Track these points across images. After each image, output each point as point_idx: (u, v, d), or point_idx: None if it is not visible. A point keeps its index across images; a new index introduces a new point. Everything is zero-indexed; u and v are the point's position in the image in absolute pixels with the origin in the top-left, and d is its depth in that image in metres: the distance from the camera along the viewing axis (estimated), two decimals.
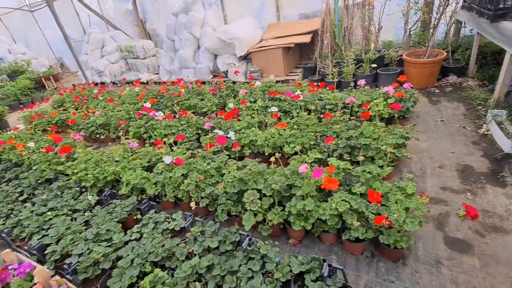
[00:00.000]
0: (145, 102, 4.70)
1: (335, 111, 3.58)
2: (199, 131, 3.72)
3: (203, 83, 6.45)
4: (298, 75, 5.83)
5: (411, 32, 4.89)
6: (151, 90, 5.56)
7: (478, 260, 1.78)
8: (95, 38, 8.32)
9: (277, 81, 5.84)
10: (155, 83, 7.72)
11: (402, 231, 1.77)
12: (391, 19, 4.92)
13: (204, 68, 6.53)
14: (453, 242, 1.90)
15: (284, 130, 2.97)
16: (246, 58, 6.23)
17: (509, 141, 2.54)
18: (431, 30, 4.38)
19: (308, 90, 3.95)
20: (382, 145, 2.39)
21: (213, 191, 2.27)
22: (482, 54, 4.38)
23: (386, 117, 3.24)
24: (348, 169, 2.15)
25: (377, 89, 4.66)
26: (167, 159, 2.53)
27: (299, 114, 3.20)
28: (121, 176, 2.86)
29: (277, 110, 3.17)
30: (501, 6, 3.15)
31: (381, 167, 2.25)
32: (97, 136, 4.56)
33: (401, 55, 4.50)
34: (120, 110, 4.66)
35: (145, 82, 7.88)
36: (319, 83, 4.79)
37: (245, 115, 3.72)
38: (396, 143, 2.42)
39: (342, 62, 5.13)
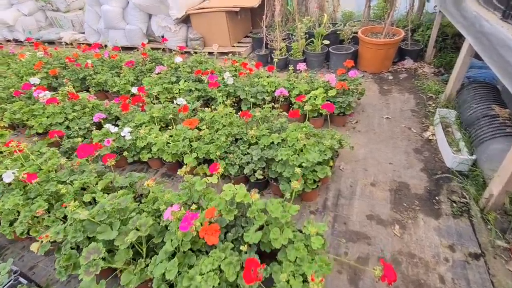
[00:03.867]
0: (40, 74, 3.66)
1: (269, 102, 2.96)
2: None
3: (136, 49, 5.38)
4: (247, 46, 4.99)
5: (371, 4, 4.21)
6: (58, 56, 4.42)
7: None
8: None
9: (222, 53, 4.99)
10: (81, 45, 6.39)
11: None
12: None
13: (136, 31, 5.38)
14: None
15: (193, 129, 2.31)
16: (186, 21, 5.18)
17: (452, 154, 2.14)
18: (389, 3, 3.74)
19: (243, 69, 3.22)
20: (301, 163, 1.85)
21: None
22: (442, 36, 3.89)
23: (324, 113, 2.69)
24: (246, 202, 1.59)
25: (328, 71, 4.06)
26: (7, 176, 1.77)
27: (216, 109, 2.52)
28: None
29: (185, 102, 2.44)
30: None
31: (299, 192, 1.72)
32: None
33: (356, 32, 3.86)
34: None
35: (68, 43, 6.50)
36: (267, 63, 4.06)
37: (156, 103, 2.95)
38: (321, 159, 1.88)
39: (293, 35, 4.38)
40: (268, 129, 2.30)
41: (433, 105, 3.00)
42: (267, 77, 3.24)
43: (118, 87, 3.47)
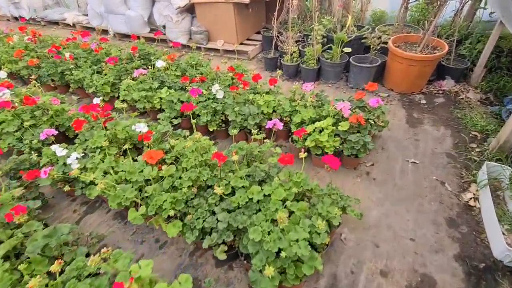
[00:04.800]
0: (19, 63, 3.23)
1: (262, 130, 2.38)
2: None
3: (138, 38, 4.87)
4: (256, 45, 4.34)
5: (408, 4, 3.42)
6: (47, 41, 3.99)
7: None
8: None
9: (227, 51, 4.38)
10: (84, 28, 5.97)
11: None
12: None
13: (137, 17, 4.85)
14: None
15: (154, 165, 1.77)
16: (191, 11, 4.58)
17: (504, 244, 1.49)
18: (434, 7, 2.95)
19: (237, 82, 2.62)
20: (282, 249, 1.28)
21: None
22: (495, 51, 3.08)
23: (330, 152, 2.07)
24: None
25: (346, 85, 3.37)
26: None
27: (189, 137, 1.96)
28: None
29: (145, 129, 1.85)
30: None
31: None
32: None
33: (385, 40, 3.11)
34: None
35: (71, 25, 6.09)
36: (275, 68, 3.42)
37: (135, 115, 2.43)
38: (307, 250, 1.29)
39: (309, 37, 3.68)
40: (250, 176, 1.73)
41: (478, 150, 2.28)
42: (267, 93, 2.63)
43: (95, 87, 2.98)
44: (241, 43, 4.43)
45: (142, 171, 1.76)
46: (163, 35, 4.75)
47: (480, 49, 3.18)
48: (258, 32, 4.68)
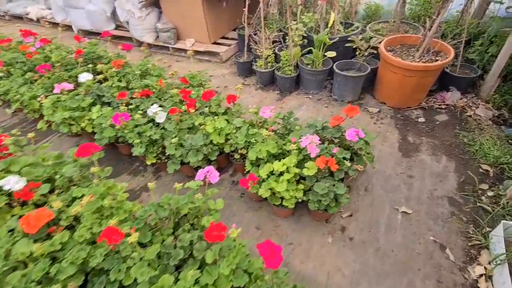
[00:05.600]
0: None
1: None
2: None
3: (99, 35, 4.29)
4: (230, 45, 3.75)
5: None
6: None
7: None
8: None
9: (198, 52, 3.80)
10: (49, 23, 5.37)
11: None
12: None
13: (98, 12, 4.26)
14: None
15: (35, 234, 1.25)
16: (158, 5, 3.97)
17: None
18: (438, 2, 2.35)
19: (179, 103, 2.06)
20: None
21: None
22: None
23: (291, 205, 1.54)
24: None
25: (330, 96, 2.81)
26: None
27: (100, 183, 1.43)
28: None
29: (18, 184, 1.32)
30: None
31: None
32: None
33: (375, 45, 2.52)
34: None
35: (35, 20, 5.49)
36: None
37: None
38: None
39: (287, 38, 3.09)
40: (164, 254, 1.21)
41: (491, 194, 1.74)
42: (224, 113, 2.08)
43: (20, 102, 2.45)
44: (215, 43, 3.85)
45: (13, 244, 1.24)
46: (103, 38, 4.13)
47: (494, 53, 2.60)
48: (236, 29, 4.09)
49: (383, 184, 1.88)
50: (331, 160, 1.44)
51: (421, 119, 2.44)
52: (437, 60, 2.33)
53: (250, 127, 1.91)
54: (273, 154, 1.72)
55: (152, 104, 2.01)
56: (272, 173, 1.60)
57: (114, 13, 4.35)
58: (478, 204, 1.70)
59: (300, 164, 1.66)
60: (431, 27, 2.32)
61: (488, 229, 1.54)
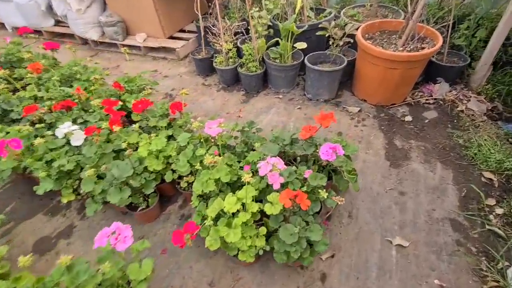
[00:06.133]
0: None
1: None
2: None
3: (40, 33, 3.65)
4: (188, 40, 3.24)
5: None
6: None
7: None
8: None
9: (151, 49, 3.26)
10: None
11: None
12: None
13: (31, 7, 3.59)
14: None
15: None
16: None
17: None
18: None
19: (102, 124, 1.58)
20: None
21: None
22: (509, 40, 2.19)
23: (250, 259, 1.12)
24: None
25: (303, 95, 2.40)
26: None
27: None
28: None
29: None
30: None
31: None
32: None
33: (352, 32, 2.13)
34: None
35: None
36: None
37: None
38: None
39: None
40: None
41: (500, 213, 1.41)
42: (168, 126, 1.61)
43: None
44: (171, 37, 3.33)
45: None
46: (18, 34, 3.49)
47: (482, 37, 2.29)
48: (193, 21, 3.57)
49: (371, 207, 1.50)
50: (301, 194, 1.03)
51: (408, 118, 2.09)
52: (423, 48, 1.97)
53: (199, 145, 1.46)
54: (227, 183, 1.29)
55: (71, 121, 1.51)
56: (224, 211, 1.17)
57: (51, 7, 3.70)
58: (487, 226, 1.36)
59: (263, 194, 1.25)
60: (415, 10, 1.96)
61: (505, 263, 1.20)
